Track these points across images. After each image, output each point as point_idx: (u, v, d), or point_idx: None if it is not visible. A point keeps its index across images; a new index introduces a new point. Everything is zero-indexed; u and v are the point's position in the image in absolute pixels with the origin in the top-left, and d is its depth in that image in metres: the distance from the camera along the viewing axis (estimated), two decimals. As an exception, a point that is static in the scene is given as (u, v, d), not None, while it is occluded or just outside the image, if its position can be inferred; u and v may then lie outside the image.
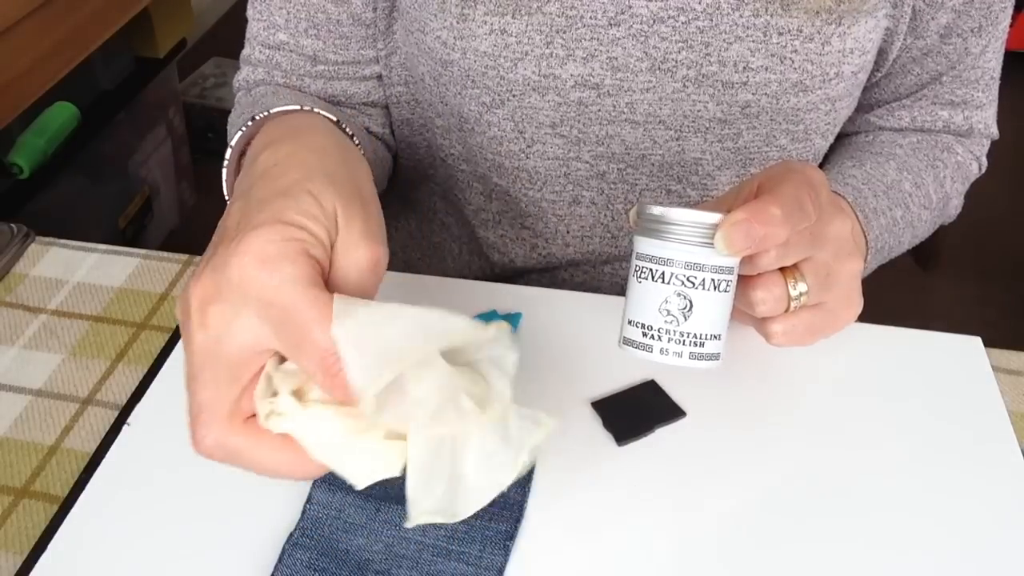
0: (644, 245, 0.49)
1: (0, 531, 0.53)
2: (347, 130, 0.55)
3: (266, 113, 0.54)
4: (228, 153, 0.55)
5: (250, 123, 0.54)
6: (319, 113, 0.54)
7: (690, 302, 0.48)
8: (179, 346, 0.63)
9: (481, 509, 0.51)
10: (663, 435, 0.57)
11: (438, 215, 0.82)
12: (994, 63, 0.72)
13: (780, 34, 0.61)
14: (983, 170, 0.78)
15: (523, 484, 0.53)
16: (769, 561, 0.50)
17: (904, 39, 0.67)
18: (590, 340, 0.62)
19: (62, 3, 1.45)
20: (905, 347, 0.63)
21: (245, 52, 0.72)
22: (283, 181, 0.42)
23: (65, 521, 0.52)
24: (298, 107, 0.54)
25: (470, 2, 0.62)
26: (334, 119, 0.54)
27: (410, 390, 0.37)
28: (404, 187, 0.82)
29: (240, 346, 0.38)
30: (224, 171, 0.55)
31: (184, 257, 0.71)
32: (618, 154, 0.69)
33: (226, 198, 0.55)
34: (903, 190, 0.68)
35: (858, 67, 0.65)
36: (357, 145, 0.54)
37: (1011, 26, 0.70)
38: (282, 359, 0.39)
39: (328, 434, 0.38)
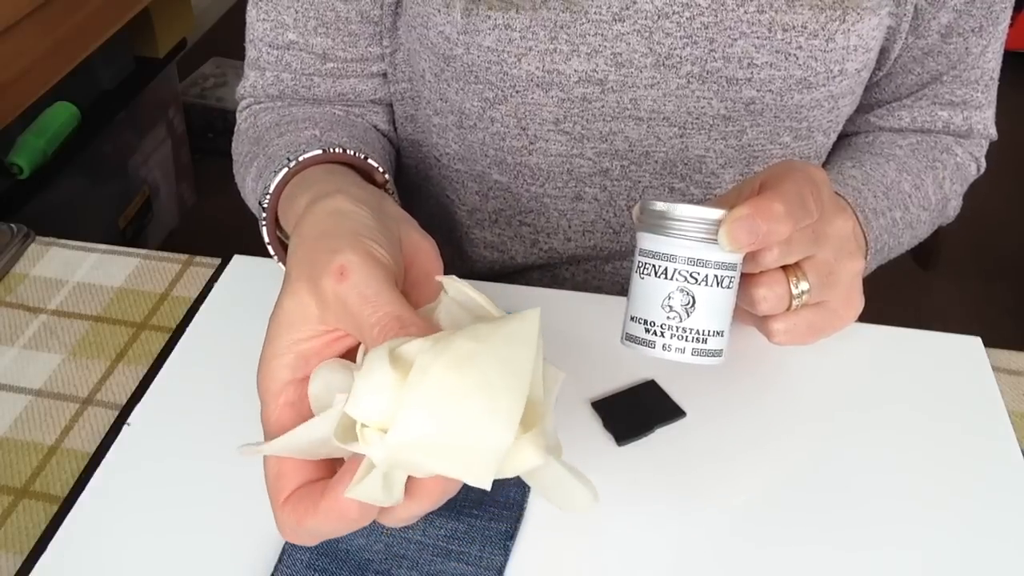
0: (647, 241, 0.48)
1: (0, 531, 0.53)
2: (381, 172, 0.59)
3: (296, 162, 0.56)
4: (265, 201, 0.57)
5: (282, 172, 0.56)
6: (341, 156, 0.57)
7: (693, 298, 0.48)
8: (179, 346, 0.63)
9: (481, 509, 0.52)
10: (663, 435, 0.57)
11: (435, 218, 0.82)
12: (994, 63, 0.72)
13: (785, 30, 0.61)
14: (982, 171, 0.78)
15: (523, 484, 0.53)
16: (769, 561, 0.50)
17: (905, 38, 0.67)
18: (590, 340, 0.62)
19: (62, 3, 1.44)
20: (905, 347, 0.63)
21: (251, 56, 0.72)
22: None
23: (65, 521, 0.52)
24: (321, 151, 0.56)
25: None
26: (363, 156, 0.58)
27: None
28: (406, 189, 0.82)
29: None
30: (264, 230, 0.58)
31: (184, 257, 0.71)
32: (621, 151, 0.68)
33: (269, 248, 0.59)
34: (902, 191, 0.68)
35: (861, 64, 0.65)
36: (391, 192, 0.59)
37: (1010, 26, 0.70)
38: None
39: None
